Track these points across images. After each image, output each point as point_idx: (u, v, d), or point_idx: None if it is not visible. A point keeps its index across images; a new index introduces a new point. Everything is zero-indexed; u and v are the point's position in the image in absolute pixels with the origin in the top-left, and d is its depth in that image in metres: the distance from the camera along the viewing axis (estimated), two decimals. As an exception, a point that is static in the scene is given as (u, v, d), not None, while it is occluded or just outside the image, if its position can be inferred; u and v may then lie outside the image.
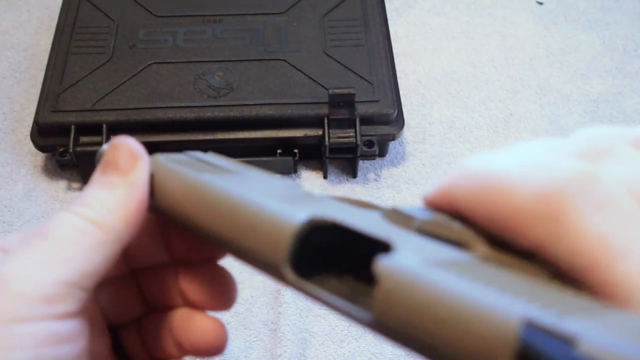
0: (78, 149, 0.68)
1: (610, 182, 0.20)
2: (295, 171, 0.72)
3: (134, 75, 0.72)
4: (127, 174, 0.29)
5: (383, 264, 0.20)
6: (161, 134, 0.69)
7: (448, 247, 0.21)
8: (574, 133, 0.23)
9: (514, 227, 0.20)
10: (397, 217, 0.24)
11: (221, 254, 0.33)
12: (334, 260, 0.24)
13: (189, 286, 0.34)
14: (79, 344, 0.27)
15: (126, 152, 0.29)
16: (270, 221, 0.24)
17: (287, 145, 0.70)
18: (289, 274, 0.23)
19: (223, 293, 0.34)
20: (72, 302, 0.26)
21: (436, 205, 0.24)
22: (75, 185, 0.72)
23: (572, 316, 0.17)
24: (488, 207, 0.21)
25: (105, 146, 0.31)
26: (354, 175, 0.72)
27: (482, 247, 0.21)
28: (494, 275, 0.19)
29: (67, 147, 0.67)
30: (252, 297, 0.64)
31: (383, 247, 0.21)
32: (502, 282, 0.19)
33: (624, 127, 0.23)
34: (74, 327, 0.26)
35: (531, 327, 0.16)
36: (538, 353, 0.16)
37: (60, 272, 0.26)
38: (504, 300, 0.17)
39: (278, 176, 0.30)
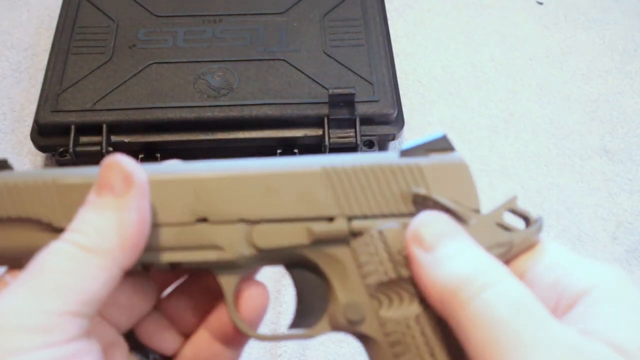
0: (78, 149, 0.68)
1: None
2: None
3: (134, 75, 0.72)
4: (120, 196, 0.28)
5: None
6: (161, 134, 0.69)
7: None
8: None
9: None
10: None
11: None
12: None
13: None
14: None
15: (120, 172, 0.28)
16: None
17: (287, 145, 0.70)
18: None
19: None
20: (72, 329, 0.26)
21: None
22: (75, 185, 0.72)
23: None
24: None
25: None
26: (354, 175, 0.72)
27: None
28: None
29: (67, 147, 0.67)
30: (252, 297, 0.63)
31: None
32: None
33: None
34: (78, 349, 0.26)
35: None
36: None
37: (54, 303, 0.25)
38: None
39: None
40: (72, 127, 0.68)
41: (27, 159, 0.73)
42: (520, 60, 0.83)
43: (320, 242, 0.32)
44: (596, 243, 0.68)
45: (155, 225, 0.31)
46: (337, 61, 0.74)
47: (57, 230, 0.30)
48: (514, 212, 0.34)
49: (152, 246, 0.31)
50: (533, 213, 0.33)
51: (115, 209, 0.28)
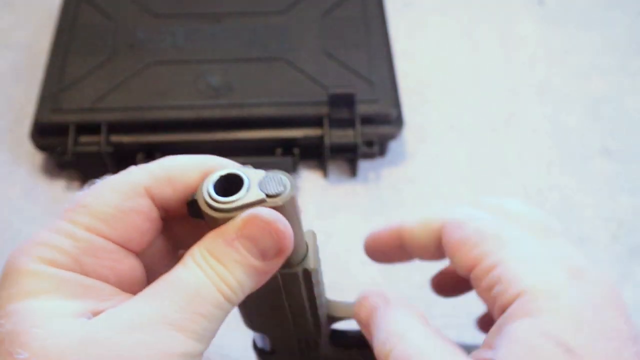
0: (77, 148, 0.67)
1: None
2: (295, 171, 0.72)
3: (133, 75, 0.72)
4: (267, 261, 0.29)
5: None
6: (160, 134, 0.69)
7: None
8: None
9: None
10: None
11: None
12: None
13: None
14: None
15: (276, 239, 0.28)
16: None
17: (287, 145, 0.70)
18: None
19: None
20: None
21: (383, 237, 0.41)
22: (75, 184, 0.71)
23: None
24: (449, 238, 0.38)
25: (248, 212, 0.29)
26: (354, 175, 0.72)
27: None
28: None
29: (66, 147, 0.67)
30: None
31: None
32: None
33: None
34: None
35: None
36: None
37: (188, 345, 0.27)
38: None
39: None
40: (72, 126, 0.68)
41: (26, 158, 0.73)
42: (520, 60, 0.83)
43: None
44: (597, 243, 0.67)
45: None
46: (337, 61, 0.73)
47: None
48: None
49: None
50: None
51: (258, 273, 0.29)
